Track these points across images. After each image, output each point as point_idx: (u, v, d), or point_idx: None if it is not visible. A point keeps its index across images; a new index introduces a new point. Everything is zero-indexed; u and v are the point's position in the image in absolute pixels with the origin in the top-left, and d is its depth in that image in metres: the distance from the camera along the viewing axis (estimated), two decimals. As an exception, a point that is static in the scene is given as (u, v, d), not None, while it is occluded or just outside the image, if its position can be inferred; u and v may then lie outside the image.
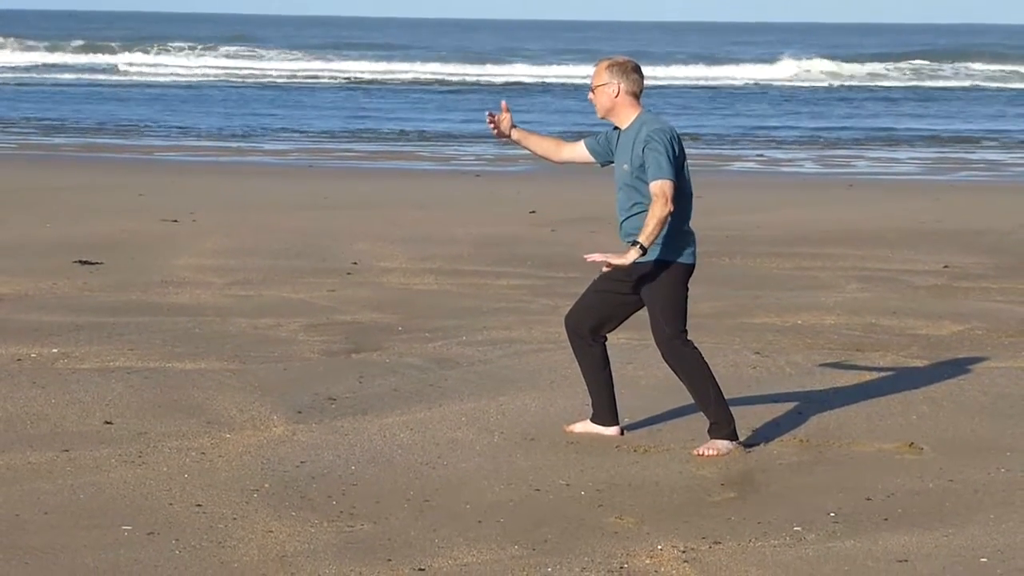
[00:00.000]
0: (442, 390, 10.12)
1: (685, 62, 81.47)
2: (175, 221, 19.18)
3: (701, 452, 8.56)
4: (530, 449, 8.68)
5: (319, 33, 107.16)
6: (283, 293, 14.11)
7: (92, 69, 71.56)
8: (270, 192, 23.72)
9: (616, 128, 8.63)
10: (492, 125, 8.86)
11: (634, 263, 8.33)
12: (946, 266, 16.47)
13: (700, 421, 8.85)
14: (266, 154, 32.98)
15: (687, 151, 8.65)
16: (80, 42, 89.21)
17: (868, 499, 7.83)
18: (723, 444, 8.59)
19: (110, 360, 10.91)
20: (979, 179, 29.06)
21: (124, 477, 7.94)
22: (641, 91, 8.58)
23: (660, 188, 8.29)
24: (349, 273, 15.41)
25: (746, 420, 9.22)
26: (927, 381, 10.48)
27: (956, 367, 11.00)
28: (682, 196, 8.41)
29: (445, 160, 31.99)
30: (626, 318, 8.78)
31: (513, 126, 8.85)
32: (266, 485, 7.87)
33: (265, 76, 69.78)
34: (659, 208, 8.25)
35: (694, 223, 8.57)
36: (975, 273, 16.04)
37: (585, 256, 8.50)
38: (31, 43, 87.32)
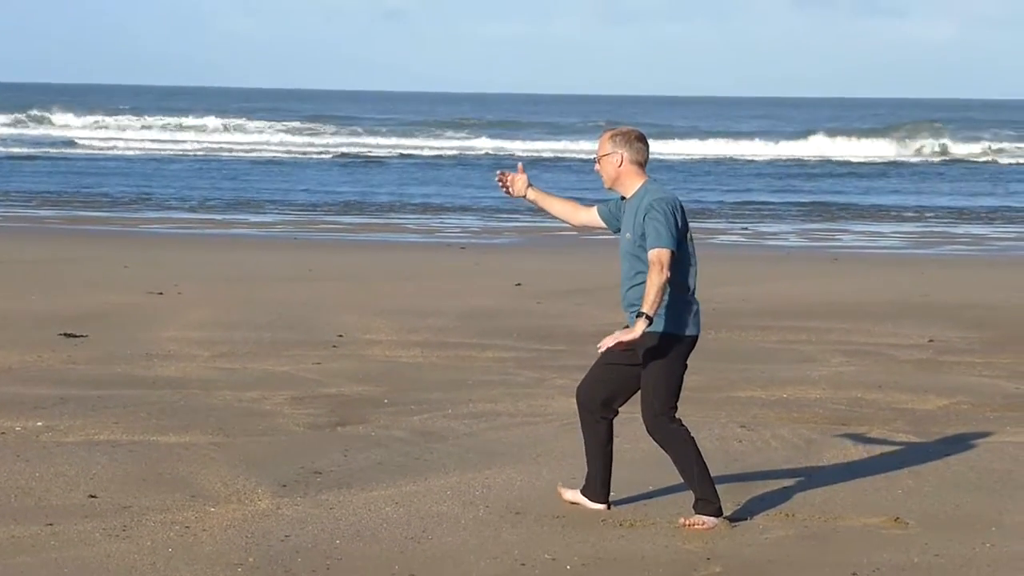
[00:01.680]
0: (428, 463, 10.11)
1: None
2: (160, 293, 19.17)
3: (686, 522, 8.55)
4: (516, 523, 8.66)
5: (303, 107, 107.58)
6: (268, 366, 14.09)
7: (51, 143, 71.83)
8: (255, 264, 23.73)
9: (623, 197, 8.68)
10: (502, 184, 8.93)
11: (651, 336, 8.37)
12: (931, 340, 16.50)
13: (686, 496, 8.83)
14: (251, 226, 33.02)
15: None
16: (43, 112, 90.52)
17: (854, 574, 7.82)
18: (708, 519, 8.58)
19: (95, 433, 10.88)
20: (963, 253, 29.16)
21: (108, 551, 7.91)
22: (646, 160, 8.62)
23: (657, 256, 8.33)
24: (335, 345, 15.40)
25: (732, 494, 9.22)
26: (912, 455, 10.49)
27: (941, 442, 11.01)
28: (684, 266, 8.46)
29: (430, 232, 32.04)
30: (636, 390, 8.76)
31: (529, 186, 8.93)
32: (250, 559, 7.84)
33: (254, 150, 69.95)
34: (655, 275, 8.29)
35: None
36: (960, 347, 16.07)
37: (597, 347, 8.50)
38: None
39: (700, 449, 8.64)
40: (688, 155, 69.66)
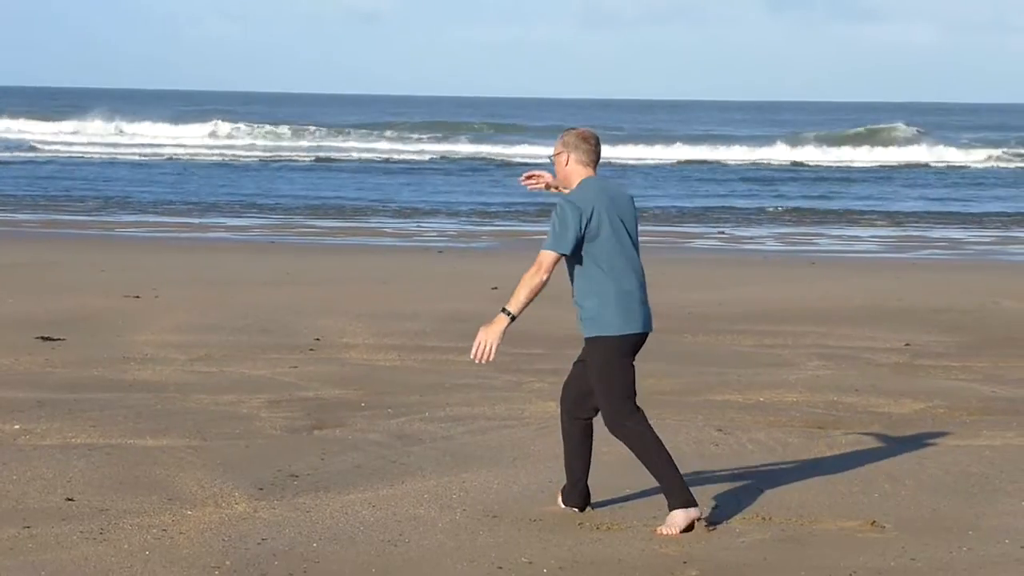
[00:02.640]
0: (404, 467, 10.11)
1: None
2: (137, 297, 19.14)
3: (660, 531, 8.56)
4: (493, 526, 8.67)
5: (286, 112, 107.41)
6: (245, 369, 14.08)
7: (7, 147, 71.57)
8: (232, 268, 23.70)
9: None
10: (530, 179, 8.94)
11: (586, 339, 8.40)
12: (907, 344, 16.55)
13: (663, 498, 8.83)
14: (228, 230, 32.98)
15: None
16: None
17: (830, 577, 7.84)
18: (679, 515, 8.55)
19: (72, 436, 10.87)
20: (939, 257, 29.25)
21: (86, 554, 7.90)
22: (592, 160, 8.63)
23: (539, 256, 8.44)
24: (312, 349, 15.39)
25: (708, 497, 9.24)
26: (889, 459, 10.52)
27: (918, 445, 11.04)
28: (612, 267, 8.45)
29: (407, 236, 32.04)
30: None
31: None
32: (227, 562, 7.84)
33: (242, 154, 69.80)
34: (529, 276, 8.41)
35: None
36: (936, 351, 16.12)
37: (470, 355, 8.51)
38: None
39: (662, 443, 8.59)
40: (662, 160, 69.72)
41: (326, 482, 9.65)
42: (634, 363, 8.62)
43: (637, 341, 8.58)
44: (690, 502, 8.57)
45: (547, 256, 8.43)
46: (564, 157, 8.66)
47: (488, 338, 8.43)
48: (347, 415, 11.98)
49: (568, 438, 8.87)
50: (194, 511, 8.85)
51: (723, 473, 9.99)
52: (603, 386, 8.56)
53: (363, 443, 10.88)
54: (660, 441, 8.60)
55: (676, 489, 8.57)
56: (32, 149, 68.93)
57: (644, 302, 8.60)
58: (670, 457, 8.60)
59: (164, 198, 42.43)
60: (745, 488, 9.60)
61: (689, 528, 8.54)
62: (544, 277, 8.43)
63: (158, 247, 27.78)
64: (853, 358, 15.54)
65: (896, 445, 11.04)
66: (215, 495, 9.24)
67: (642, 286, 8.60)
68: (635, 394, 8.62)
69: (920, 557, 8.22)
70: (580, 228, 8.41)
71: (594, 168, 8.66)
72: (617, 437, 8.61)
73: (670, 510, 8.59)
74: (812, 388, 13.54)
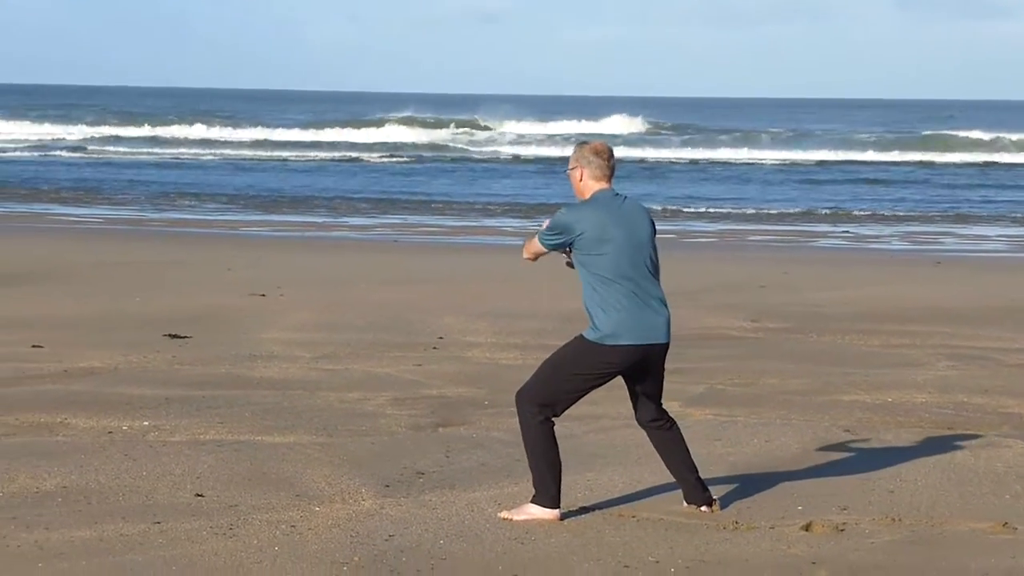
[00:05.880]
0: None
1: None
2: (263, 295, 19.32)
3: (503, 514, 8.68)
4: (618, 525, 8.64)
5: (408, 108, 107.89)
6: (370, 367, 14.16)
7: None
8: (355, 267, 23.86)
9: None
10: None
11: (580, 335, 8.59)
12: (1036, 344, 16.30)
13: (790, 498, 8.78)
14: (351, 229, 33.20)
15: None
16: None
17: (962, 579, 7.74)
18: (535, 508, 8.63)
19: (200, 433, 10.99)
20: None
21: (215, 549, 7.97)
22: (607, 174, 8.59)
23: (534, 238, 8.70)
24: (435, 347, 15.45)
25: (837, 498, 9.16)
26: (1020, 460, 10.36)
27: (1049, 446, 10.86)
28: (609, 281, 8.45)
29: (527, 234, 32.04)
30: (637, 394, 8.81)
31: None
32: (355, 559, 7.88)
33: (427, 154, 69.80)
34: (523, 251, 8.85)
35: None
36: (1066, 351, 15.86)
37: None
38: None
39: (551, 443, 8.58)
40: (783, 160, 69.22)
41: (452, 479, 9.67)
42: (638, 378, 8.63)
43: (631, 353, 8.49)
44: (553, 503, 8.61)
45: (536, 243, 8.73)
46: (578, 172, 8.63)
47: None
48: (471, 413, 12.01)
49: (657, 447, 8.87)
50: (322, 507, 8.90)
51: (851, 474, 9.88)
52: (551, 366, 8.62)
53: (488, 441, 10.90)
54: (549, 442, 8.58)
55: (543, 489, 8.62)
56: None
57: (651, 315, 8.52)
58: (555, 457, 8.61)
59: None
60: (874, 489, 9.50)
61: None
62: (528, 257, 8.90)
63: (282, 246, 28.01)
64: (982, 358, 15.33)
65: (1027, 446, 10.87)
66: (342, 491, 9.29)
67: (650, 299, 8.51)
68: (563, 407, 8.61)
69: (1054, 560, 8.09)
70: (561, 235, 8.51)
71: (608, 181, 8.60)
72: (516, 408, 8.66)
73: (530, 501, 8.66)
74: (940, 388, 13.38)
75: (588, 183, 8.60)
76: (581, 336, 8.58)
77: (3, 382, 12.96)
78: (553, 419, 8.62)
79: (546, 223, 8.63)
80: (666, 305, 8.61)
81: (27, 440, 10.63)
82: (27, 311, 17.50)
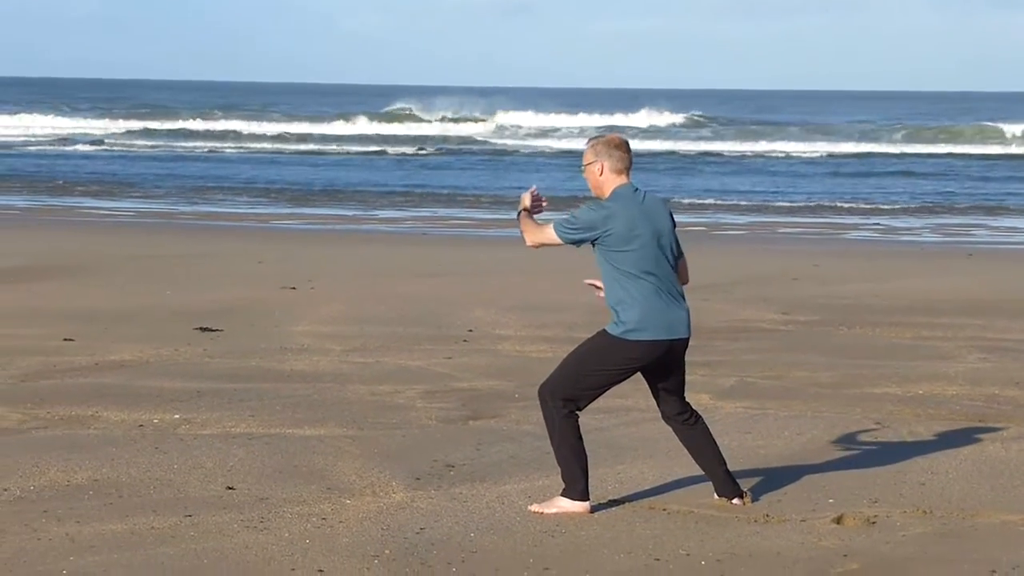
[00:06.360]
0: (560, 458, 10.08)
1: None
2: (293, 288, 19.36)
3: (533, 507, 8.68)
4: (649, 518, 8.63)
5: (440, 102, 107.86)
6: (400, 360, 14.17)
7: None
8: (385, 260, 23.88)
9: None
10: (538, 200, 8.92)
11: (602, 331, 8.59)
12: (1069, 336, 16.23)
13: (822, 492, 8.76)
14: (381, 222, 33.24)
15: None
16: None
17: (993, 571, 7.71)
18: (564, 501, 8.64)
19: (231, 426, 11.01)
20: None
21: (247, 542, 7.99)
22: (627, 167, 8.53)
23: (546, 229, 8.67)
24: (465, 340, 15.46)
25: (868, 491, 9.13)
26: (1052, 453, 10.32)
27: (1082, 439, 10.82)
28: (631, 276, 8.43)
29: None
30: (660, 389, 8.84)
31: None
32: (387, 551, 7.89)
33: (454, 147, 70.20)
34: (530, 232, 8.80)
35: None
36: (1099, 343, 15.79)
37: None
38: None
39: (576, 436, 8.60)
40: (813, 152, 69.07)
41: (482, 472, 9.68)
42: (656, 372, 8.63)
43: (655, 348, 8.48)
44: (583, 496, 8.61)
45: (550, 233, 8.66)
46: (597, 167, 8.56)
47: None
48: (502, 406, 12.01)
49: (684, 442, 8.87)
50: (353, 500, 8.92)
51: (883, 466, 9.86)
52: (574, 361, 8.66)
53: (518, 434, 10.90)
54: (575, 435, 8.59)
55: (572, 482, 8.62)
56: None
57: (674, 310, 8.49)
58: (581, 450, 8.61)
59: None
60: (906, 481, 9.47)
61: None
62: (531, 244, 8.83)
63: (313, 239, 28.06)
64: (1014, 351, 15.27)
65: (1060, 439, 10.82)
66: (373, 484, 9.31)
67: (672, 295, 8.49)
68: (587, 401, 8.63)
69: (1087, 553, 8.05)
70: (581, 229, 8.48)
71: (627, 175, 8.55)
72: (540, 402, 8.67)
73: (560, 494, 8.65)
74: (972, 381, 13.33)
75: (609, 177, 8.54)
76: (604, 331, 8.57)
77: (34, 375, 13.02)
78: (577, 412, 8.61)
79: (569, 216, 8.57)
80: (685, 299, 8.60)
81: (58, 433, 10.67)
82: (58, 304, 17.57)
